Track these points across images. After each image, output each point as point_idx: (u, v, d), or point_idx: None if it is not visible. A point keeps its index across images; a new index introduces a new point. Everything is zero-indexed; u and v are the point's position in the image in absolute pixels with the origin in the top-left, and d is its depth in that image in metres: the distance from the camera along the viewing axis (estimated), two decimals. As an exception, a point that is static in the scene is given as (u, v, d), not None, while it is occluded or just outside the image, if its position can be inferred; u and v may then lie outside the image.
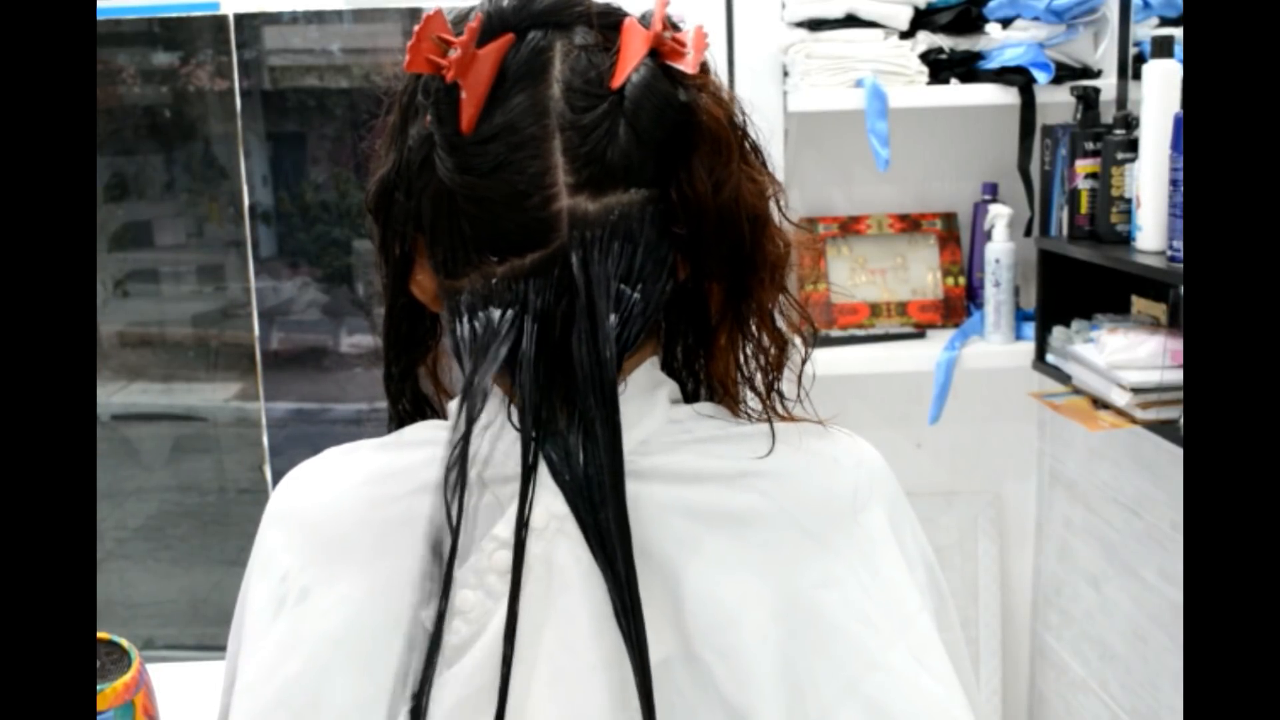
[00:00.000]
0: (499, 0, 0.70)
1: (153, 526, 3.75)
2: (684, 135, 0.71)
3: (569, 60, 0.69)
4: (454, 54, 0.67)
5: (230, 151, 3.00)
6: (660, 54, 0.71)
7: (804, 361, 0.79)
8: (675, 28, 0.73)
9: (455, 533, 0.67)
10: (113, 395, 3.30)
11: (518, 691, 0.68)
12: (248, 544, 0.78)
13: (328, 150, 3.33)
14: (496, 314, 0.69)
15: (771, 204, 0.75)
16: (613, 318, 0.68)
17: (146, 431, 3.65)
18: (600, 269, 0.68)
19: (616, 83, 0.69)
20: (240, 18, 2.69)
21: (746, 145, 0.75)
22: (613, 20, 0.72)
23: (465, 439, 0.68)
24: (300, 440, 3.56)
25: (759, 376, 0.79)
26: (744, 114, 0.75)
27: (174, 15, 2.49)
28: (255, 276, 2.85)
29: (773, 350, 0.78)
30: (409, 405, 0.82)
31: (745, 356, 0.78)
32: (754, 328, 0.77)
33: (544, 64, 0.69)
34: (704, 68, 0.73)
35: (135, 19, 2.88)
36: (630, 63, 0.69)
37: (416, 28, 0.68)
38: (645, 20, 0.72)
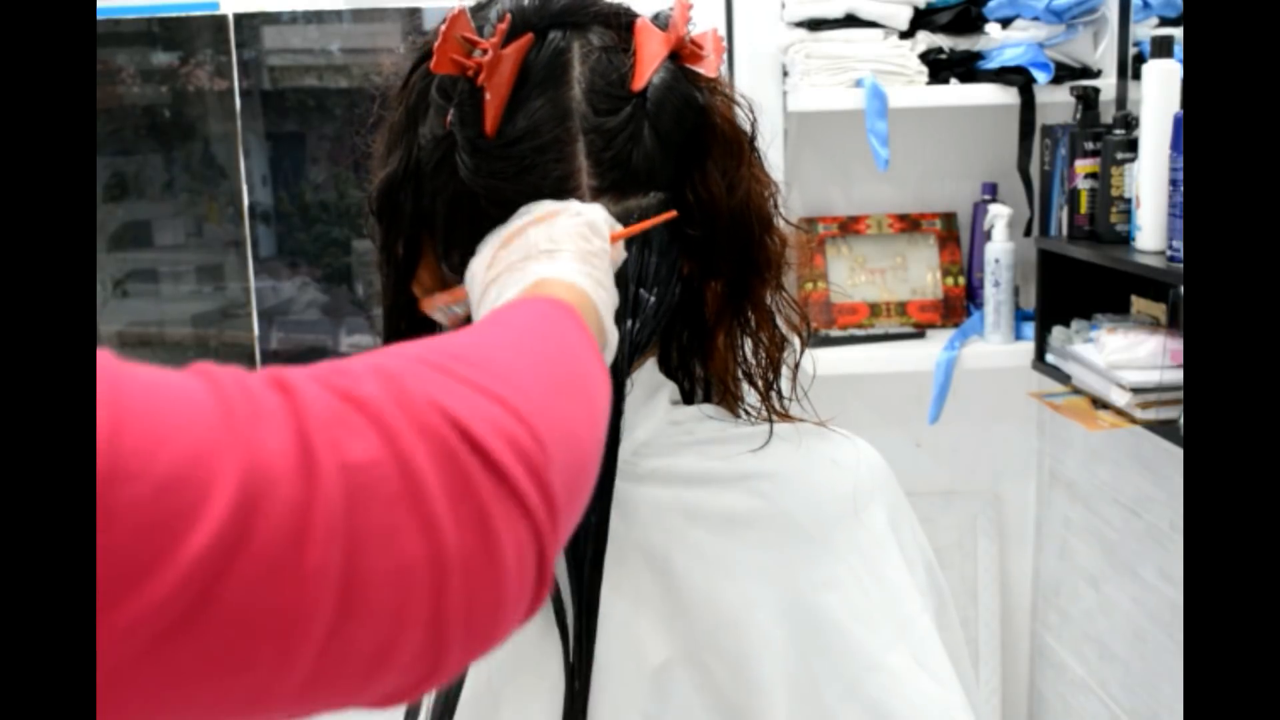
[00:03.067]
0: (519, 1, 0.70)
1: (152, 526, 3.74)
2: (700, 138, 0.71)
3: (588, 61, 0.69)
4: (480, 55, 0.67)
5: (230, 151, 2.99)
6: (680, 56, 0.71)
7: (798, 361, 0.79)
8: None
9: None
10: (112, 395, 3.29)
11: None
12: (247, 544, 0.77)
13: (327, 150, 3.33)
14: None
15: (770, 204, 0.76)
16: (630, 322, 0.68)
17: (146, 431, 3.64)
18: (619, 272, 0.68)
19: (638, 85, 0.69)
20: (240, 18, 2.69)
21: (753, 146, 0.75)
22: (626, 20, 0.72)
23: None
24: (300, 440, 3.54)
25: (758, 375, 0.79)
26: (753, 116, 0.75)
27: (173, 15, 2.49)
28: (255, 276, 2.85)
29: (771, 349, 0.78)
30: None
31: (744, 356, 0.79)
32: (753, 326, 0.77)
33: (564, 65, 0.69)
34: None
35: (135, 19, 2.88)
36: (651, 64, 0.69)
37: (442, 28, 0.68)
38: (659, 21, 0.72)
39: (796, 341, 0.79)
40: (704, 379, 0.80)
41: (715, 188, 0.71)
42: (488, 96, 0.67)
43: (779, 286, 0.76)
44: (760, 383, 0.78)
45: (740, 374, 0.79)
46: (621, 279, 0.68)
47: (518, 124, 0.68)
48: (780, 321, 0.78)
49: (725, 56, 2.02)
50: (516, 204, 0.68)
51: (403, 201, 0.72)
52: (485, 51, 0.67)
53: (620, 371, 0.68)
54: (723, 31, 2.02)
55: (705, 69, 0.71)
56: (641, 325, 0.69)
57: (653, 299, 0.70)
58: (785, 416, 0.79)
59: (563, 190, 0.67)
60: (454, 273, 0.72)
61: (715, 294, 0.76)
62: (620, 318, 0.68)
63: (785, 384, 0.80)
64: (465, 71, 0.67)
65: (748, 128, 0.75)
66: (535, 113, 0.68)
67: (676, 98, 0.70)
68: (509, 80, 0.68)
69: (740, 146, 0.73)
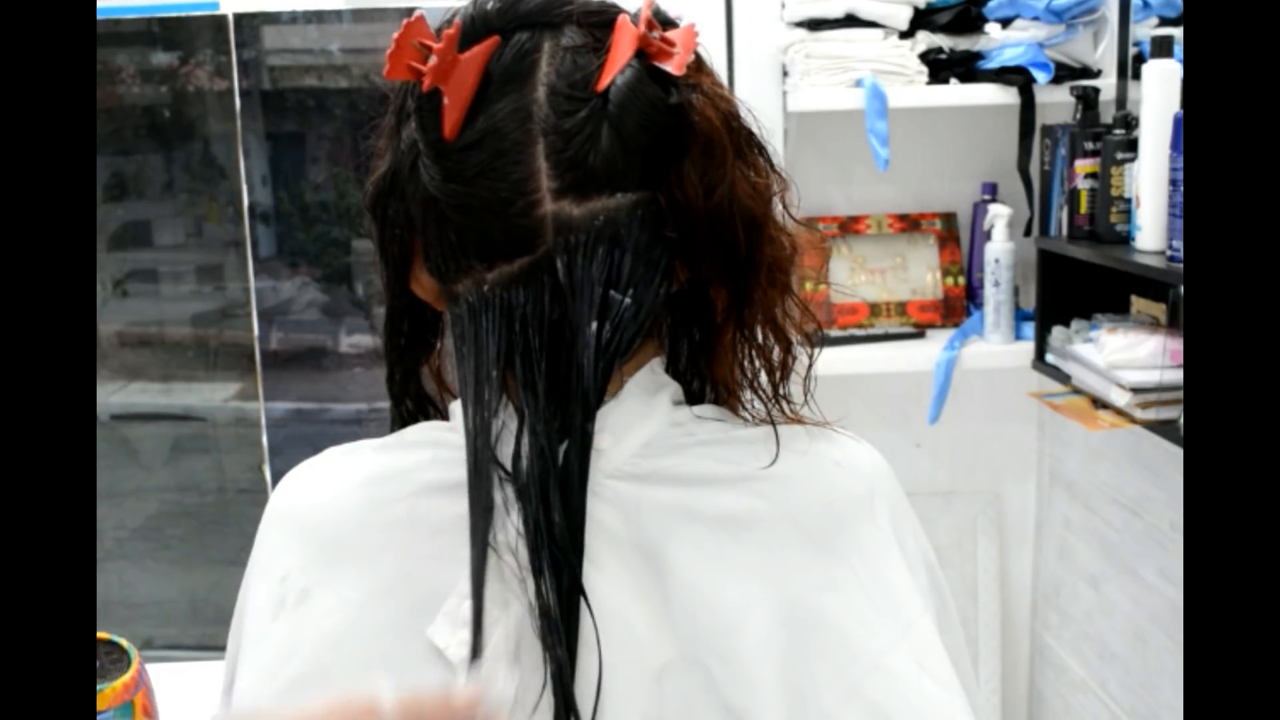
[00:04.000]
0: (483, 3, 0.69)
1: (152, 526, 3.74)
2: (674, 138, 0.69)
3: (555, 62, 0.68)
4: (433, 61, 0.66)
5: (229, 151, 3.00)
6: (648, 54, 0.69)
7: (810, 364, 0.78)
8: (667, 24, 0.72)
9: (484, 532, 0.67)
10: (112, 395, 3.29)
11: None
12: (247, 544, 0.78)
13: (327, 150, 3.33)
14: (491, 320, 0.68)
15: (776, 203, 0.74)
16: (594, 325, 0.67)
17: (146, 431, 3.65)
18: (585, 275, 0.67)
19: (601, 85, 0.68)
20: (239, 18, 2.69)
21: (748, 144, 0.73)
22: (605, 19, 0.70)
23: (478, 448, 0.67)
24: (299, 440, 3.55)
25: (763, 378, 0.78)
26: (749, 111, 0.73)
27: (173, 15, 2.49)
28: (254, 276, 2.85)
29: (777, 352, 0.77)
30: (411, 405, 0.82)
31: (750, 357, 0.78)
32: (757, 330, 0.76)
33: (530, 66, 0.68)
34: (700, 65, 0.72)
35: (135, 19, 2.88)
36: (617, 64, 0.68)
37: (396, 34, 0.67)
38: (638, 18, 0.70)
39: (805, 345, 0.78)
40: (711, 380, 0.80)
41: (690, 189, 0.69)
42: (446, 101, 0.66)
43: (784, 290, 0.75)
44: (765, 388, 0.77)
45: (745, 379, 0.78)
46: (588, 282, 0.67)
47: (478, 127, 0.67)
48: (789, 325, 0.76)
49: (726, 57, 2.02)
50: (476, 209, 0.67)
51: (389, 204, 0.73)
52: (436, 58, 0.66)
53: (591, 374, 0.67)
54: (723, 32, 2.02)
55: (671, 66, 0.69)
56: (617, 329, 0.68)
57: (629, 301, 0.68)
58: (788, 418, 0.78)
59: (521, 193, 0.67)
60: (434, 275, 0.72)
61: (721, 297, 0.75)
62: (586, 320, 0.67)
63: (795, 387, 0.79)
64: (419, 76, 0.67)
65: (743, 126, 0.73)
66: (496, 115, 0.67)
67: (641, 98, 0.68)
68: (470, 85, 0.67)
69: (722, 145, 0.70)
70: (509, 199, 0.67)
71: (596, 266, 0.67)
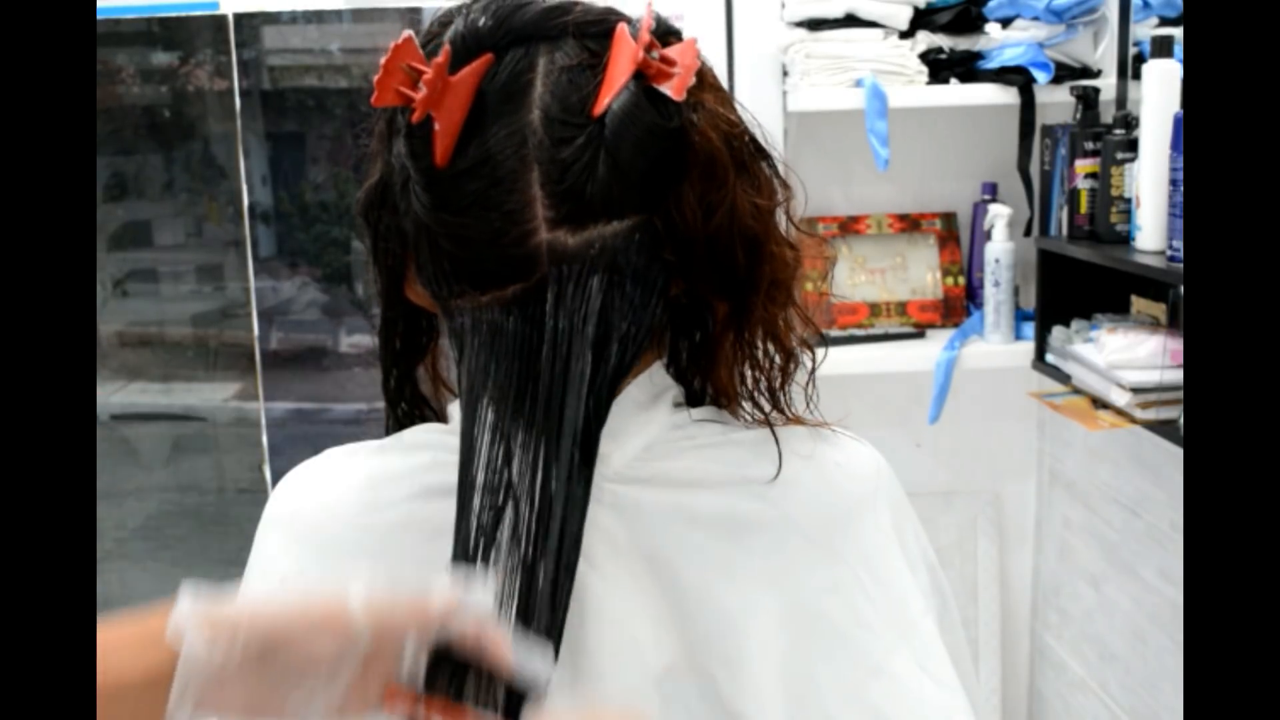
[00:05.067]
0: (474, 20, 0.66)
1: (152, 526, 3.74)
2: (674, 161, 0.67)
3: (550, 83, 0.66)
4: (423, 92, 0.64)
5: (229, 151, 2.99)
6: (646, 76, 0.66)
7: (812, 372, 0.77)
8: (668, 32, 0.70)
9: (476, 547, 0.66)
10: (112, 395, 3.29)
11: None
12: (247, 544, 0.77)
13: (327, 150, 3.33)
14: (481, 343, 0.67)
15: (780, 213, 0.72)
16: (589, 356, 0.65)
17: (146, 431, 3.65)
18: (578, 305, 0.65)
19: (598, 110, 0.65)
20: (239, 17, 2.69)
21: (751, 158, 0.71)
22: (604, 29, 0.68)
23: (469, 464, 0.67)
24: (299, 440, 3.55)
25: (763, 385, 0.77)
26: (754, 118, 0.71)
27: (173, 15, 2.49)
28: (254, 276, 2.85)
29: (778, 361, 0.76)
30: (407, 407, 0.81)
31: (749, 366, 0.77)
32: (757, 341, 0.74)
33: (524, 87, 0.66)
34: (702, 79, 0.69)
35: (135, 19, 2.88)
36: (613, 87, 0.65)
37: (383, 59, 0.64)
38: (638, 27, 0.67)
39: (806, 356, 0.77)
40: (713, 382, 0.79)
41: (689, 213, 0.67)
42: (437, 127, 0.64)
43: (786, 303, 0.73)
44: (765, 397, 0.76)
45: (745, 387, 0.77)
46: (581, 312, 0.65)
47: (470, 154, 0.65)
48: (789, 335, 0.75)
49: (726, 58, 2.02)
50: (469, 239, 0.66)
51: (381, 216, 0.71)
52: (425, 88, 0.63)
53: (580, 406, 0.65)
54: (723, 32, 2.02)
55: (671, 89, 0.66)
56: (624, 351, 0.67)
57: (627, 324, 0.67)
58: (789, 419, 0.78)
59: (515, 222, 0.65)
60: (427, 286, 0.71)
61: (720, 307, 0.73)
62: (579, 350, 0.65)
63: (797, 391, 0.78)
64: (409, 103, 0.64)
65: (745, 141, 0.70)
66: (489, 141, 0.65)
67: (638, 125, 0.65)
68: (462, 108, 0.65)
69: (724, 166, 0.68)
70: (503, 229, 0.65)
71: (591, 295, 0.65)
